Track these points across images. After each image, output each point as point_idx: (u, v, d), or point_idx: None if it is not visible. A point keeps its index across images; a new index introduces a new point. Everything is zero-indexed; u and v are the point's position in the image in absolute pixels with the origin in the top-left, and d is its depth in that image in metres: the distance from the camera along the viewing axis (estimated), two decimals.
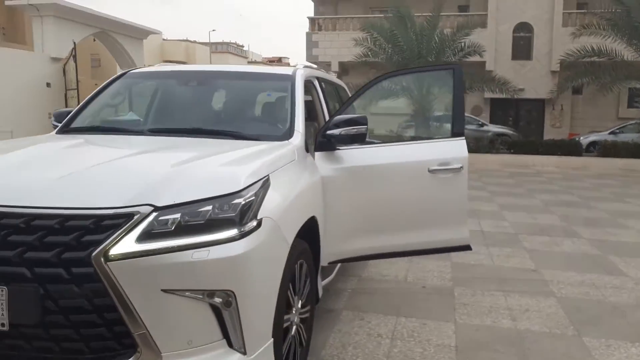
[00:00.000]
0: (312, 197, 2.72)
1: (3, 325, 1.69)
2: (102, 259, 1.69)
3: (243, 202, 1.94)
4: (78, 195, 1.82)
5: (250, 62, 69.30)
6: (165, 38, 55.72)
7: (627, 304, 3.71)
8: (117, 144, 2.74)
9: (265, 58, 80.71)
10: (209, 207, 1.87)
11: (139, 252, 1.73)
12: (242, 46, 76.81)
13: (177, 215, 1.82)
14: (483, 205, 7.70)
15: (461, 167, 3.24)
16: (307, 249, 2.58)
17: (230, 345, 1.89)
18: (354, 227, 3.11)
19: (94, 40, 18.51)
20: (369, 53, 16.72)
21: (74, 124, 3.20)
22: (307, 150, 2.94)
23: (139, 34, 18.69)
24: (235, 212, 1.91)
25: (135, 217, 1.77)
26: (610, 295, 3.90)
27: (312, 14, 25.27)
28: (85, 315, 1.71)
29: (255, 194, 2.03)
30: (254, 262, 1.91)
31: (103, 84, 3.52)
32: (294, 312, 2.42)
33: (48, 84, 14.64)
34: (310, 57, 23.73)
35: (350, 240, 3.12)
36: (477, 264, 4.65)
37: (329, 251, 3.03)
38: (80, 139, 2.80)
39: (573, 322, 3.35)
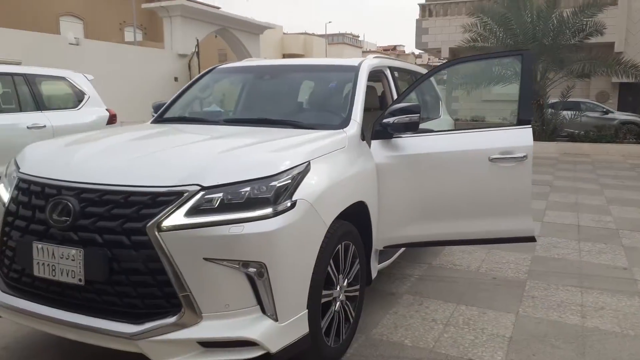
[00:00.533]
0: (361, 183, 2.85)
1: (80, 280, 2.09)
2: (155, 230, 2.01)
3: (278, 185, 2.16)
4: (139, 175, 2.17)
5: (364, 52, 69.74)
6: (285, 32, 58.12)
7: None
8: (189, 132, 3.11)
9: (380, 47, 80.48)
10: (248, 188, 2.12)
11: (185, 224, 2.03)
12: (358, 36, 77.31)
13: (220, 194, 2.09)
14: (588, 198, 7.15)
15: (525, 157, 3.15)
16: (353, 232, 2.73)
17: (263, 311, 2.12)
18: (409, 213, 3.19)
19: (215, 36, 19.98)
20: (478, 38, 15.99)
21: (167, 115, 3.66)
22: (363, 138, 3.08)
23: (256, 29, 19.84)
24: (271, 193, 2.14)
25: (185, 195, 2.07)
26: None
27: (423, 1, 24.72)
28: (141, 277, 2.05)
29: (292, 178, 2.24)
30: (285, 238, 2.12)
31: (194, 79, 3.96)
32: (337, 289, 2.60)
33: (175, 79, 16.17)
34: (419, 44, 23.33)
35: (406, 226, 3.21)
36: (560, 258, 4.42)
37: (383, 236, 3.15)
38: (162, 128, 3.23)
39: None
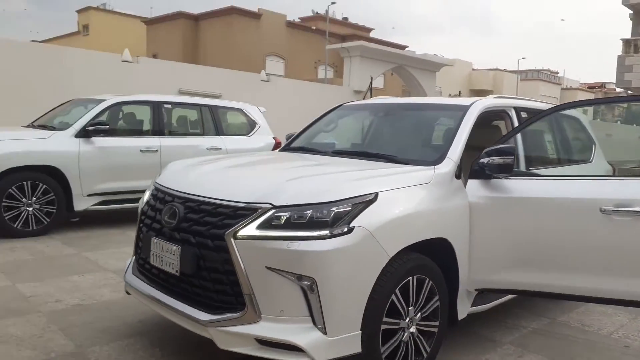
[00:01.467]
0: (444, 219, 2.87)
1: (176, 271, 2.57)
2: (232, 237, 2.39)
3: (337, 210, 2.39)
4: (227, 192, 2.59)
5: (564, 89, 64.28)
6: (474, 68, 57.16)
7: None
8: (290, 159, 3.48)
9: (583, 84, 73.35)
10: (310, 211, 2.39)
11: (256, 236, 2.38)
12: (557, 72, 71.81)
13: (287, 214, 2.39)
14: None
15: None
16: (430, 267, 2.78)
17: (314, 323, 2.34)
18: (505, 258, 3.06)
19: (392, 74, 20.75)
20: None
21: (294, 144, 4.14)
22: (459, 176, 3.09)
23: (432, 66, 20.08)
24: (329, 217, 2.37)
25: (259, 210, 2.42)
26: None
27: (627, 35, 22.14)
28: (218, 275, 2.45)
29: (353, 206, 2.43)
30: (337, 259, 2.32)
31: (322, 114, 4.40)
32: (406, 320, 2.67)
33: None
34: (620, 83, 20.91)
35: (501, 271, 3.08)
36: None
37: (476, 278, 3.08)
38: (275, 155, 3.68)
39: None
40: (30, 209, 5.61)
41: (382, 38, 44.12)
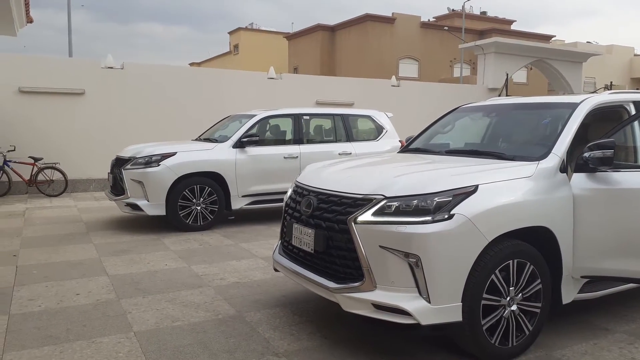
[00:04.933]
0: (545, 209, 3.16)
1: (312, 249, 3.26)
2: (352, 222, 3.00)
3: (438, 200, 2.86)
4: (349, 186, 3.21)
5: None
6: (637, 53, 50.92)
7: None
8: (406, 159, 3.97)
9: None
10: (416, 200, 2.90)
11: (371, 221, 2.95)
12: None
13: (397, 203, 2.94)
14: None
15: None
16: (530, 253, 3.09)
17: (419, 293, 2.84)
18: (609, 246, 3.24)
19: (530, 69, 19.78)
20: None
21: (412, 146, 4.64)
22: (563, 170, 3.34)
23: (577, 57, 18.76)
24: (432, 206, 2.86)
25: (373, 200, 3.00)
26: None
27: None
28: (343, 252, 3.07)
29: (453, 196, 2.89)
30: (438, 240, 2.79)
31: (440, 116, 4.83)
32: (507, 299, 3.03)
33: None
34: None
35: (606, 259, 3.26)
36: None
37: (580, 265, 3.30)
38: (395, 156, 4.22)
39: None
40: (199, 208, 6.86)
41: (527, 30, 41.75)
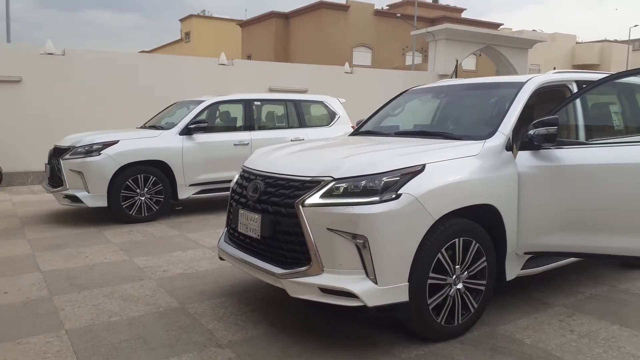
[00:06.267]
0: (491, 187, 3.18)
1: (258, 235, 3.16)
2: (300, 205, 2.92)
3: (386, 180, 2.83)
4: (296, 169, 3.13)
5: None
6: (579, 41, 53.02)
7: None
8: (355, 142, 3.92)
9: None
10: (364, 181, 2.85)
11: (319, 203, 2.88)
12: None
13: (345, 184, 2.88)
14: None
15: None
16: (476, 230, 3.11)
17: (366, 274, 2.80)
18: (552, 222, 3.31)
19: (479, 55, 20.23)
20: None
21: (362, 129, 4.60)
22: (509, 148, 3.37)
23: (523, 44, 19.29)
24: (379, 186, 2.82)
25: (322, 183, 2.93)
26: None
27: None
28: (290, 237, 2.99)
29: (401, 175, 2.86)
30: (385, 220, 2.75)
31: (389, 99, 4.81)
32: (453, 277, 3.04)
33: None
34: None
35: (548, 234, 3.32)
36: None
37: (524, 242, 3.36)
38: (343, 139, 4.17)
39: None
40: (143, 198, 6.60)
41: (476, 18, 42.64)
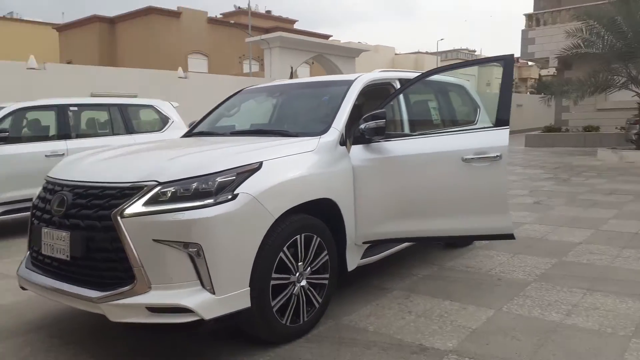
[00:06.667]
0: (328, 182, 3.14)
1: (67, 256, 2.68)
2: (118, 216, 2.52)
3: (220, 180, 2.59)
4: (113, 175, 2.73)
5: (481, 67, 67.04)
6: (397, 52, 58.71)
7: None
8: (186, 143, 3.64)
9: None
10: (196, 183, 2.57)
11: (141, 212, 2.52)
12: (474, 51, 75.14)
13: (173, 188, 2.56)
14: None
15: (498, 156, 3.23)
16: (318, 225, 3.04)
17: (202, 285, 2.53)
18: (386, 211, 3.40)
19: (312, 63, 21.09)
20: (582, 44, 14.94)
21: (196, 130, 4.29)
22: (343, 143, 3.37)
23: (351, 53, 20.60)
24: (213, 187, 2.57)
25: (144, 188, 2.57)
26: None
27: (530, 10, 23.59)
28: (107, 254, 2.57)
29: (237, 174, 2.64)
30: (221, 224, 2.51)
31: (224, 99, 4.56)
32: (296, 275, 2.92)
33: None
34: (525, 55, 22.30)
35: (383, 223, 3.41)
36: (588, 264, 4.21)
37: (362, 232, 3.39)
38: (172, 141, 3.83)
39: (639, 325, 2.94)
40: None
41: (308, 29, 44.46)
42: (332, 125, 3.39)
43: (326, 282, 3.14)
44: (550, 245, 4.85)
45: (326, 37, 43.98)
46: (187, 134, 4.27)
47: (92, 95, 11.85)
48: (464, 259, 4.47)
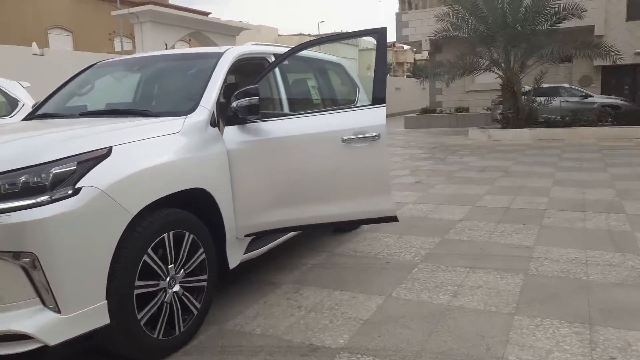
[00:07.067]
0: (199, 169, 2.76)
1: None
2: None
3: (56, 172, 2.09)
4: None
5: (361, 50, 69.52)
6: (280, 34, 58.14)
7: (602, 283, 3.22)
8: (23, 127, 3.03)
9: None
10: (24, 176, 2.05)
11: None
12: None
13: None
14: (535, 182, 7.02)
15: (377, 136, 3.06)
16: (189, 220, 2.65)
17: (44, 303, 2.05)
18: (267, 200, 3.11)
19: (189, 40, 19.99)
20: (450, 27, 15.82)
21: (39, 111, 3.61)
22: (214, 124, 2.99)
23: (231, 31, 19.84)
24: (48, 181, 2.06)
25: None
26: (593, 273, 3.41)
27: None
28: None
29: (79, 164, 2.16)
30: (61, 227, 2.04)
31: (72, 75, 3.91)
32: (166, 280, 2.52)
33: None
34: (400, 38, 23.17)
35: (265, 212, 3.12)
36: (468, 240, 4.31)
37: (242, 224, 3.07)
38: (6, 125, 3.16)
39: (520, 301, 3.01)
40: None
41: (184, 5, 42.17)
42: (201, 104, 3.00)
43: (204, 284, 2.78)
44: (433, 223, 4.93)
45: (205, 14, 42.13)
46: (29, 117, 3.58)
47: None
48: (352, 243, 4.35)
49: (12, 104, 6.76)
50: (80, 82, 3.84)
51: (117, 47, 34.39)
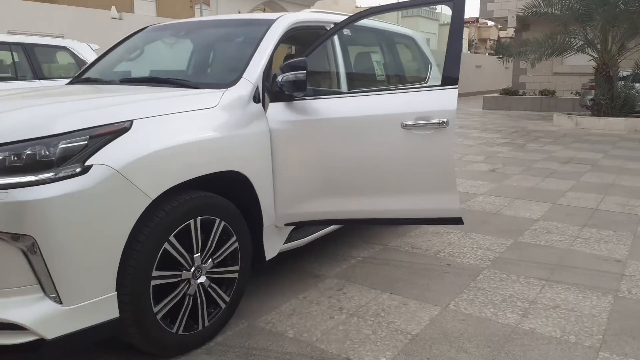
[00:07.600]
0: (236, 150, 2.43)
1: None
2: None
3: (64, 146, 1.84)
4: None
5: (442, 25, 66.58)
6: (358, 5, 56.72)
7: None
8: (58, 93, 2.79)
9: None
10: (29, 149, 1.81)
11: None
12: (435, 8, 74.16)
13: (0, 155, 1.80)
14: (629, 180, 6.17)
15: (444, 123, 2.59)
16: (221, 205, 2.36)
17: (44, 292, 1.83)
18: (312, 187, 2.75)
19: (264, 9, 19.78)
20: (541, 3, 14.43)
21: (85, 76, 3.44)
22: (258, 100, 2.65)
23: (306, 0, 19.37)
24: (55, 155, 1.82)
25: None
26: None
27: None
28: None
29: (92, 137, 1.90)
30: (66, 209, 1.79)
31: (121, 39, 3.71)
32: (191, 270, 2.25)
33: None
34: (484, 13, 21.71)
35: (309, 201, 2.77)
36: (546, 246, 3.74)
37: (283, 212, 2.74)
38: (46, 89, 3.00)
39: (607, 331, 2.47)
40: None
41: None
42: (244, 76, 2.65)
43: (236, 275, 2.49)
44: (506, 221, 4.37)
45: None
46: (74, 81, 3.42)
47: (10, 33, 10.46)
48: (409, 237, 3.92)
49: (80, 66, 6.81)
50: (130, 46, 3.62)
51: (197, 15, 35.17)
